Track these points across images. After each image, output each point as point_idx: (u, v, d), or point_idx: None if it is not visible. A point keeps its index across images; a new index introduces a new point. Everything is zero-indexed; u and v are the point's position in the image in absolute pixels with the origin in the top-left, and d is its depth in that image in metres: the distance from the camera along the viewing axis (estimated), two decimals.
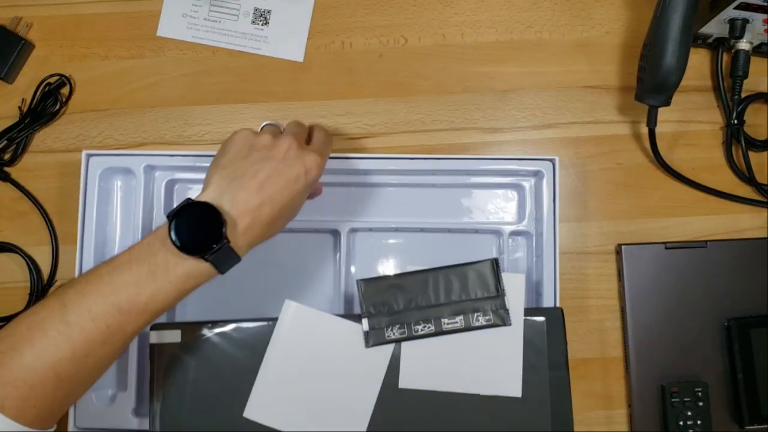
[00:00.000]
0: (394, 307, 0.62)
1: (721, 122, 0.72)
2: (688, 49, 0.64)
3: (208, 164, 0.57)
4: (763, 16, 0.64)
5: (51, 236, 0.70)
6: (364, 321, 0.62)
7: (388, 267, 0.70)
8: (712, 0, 0.65)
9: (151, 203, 0.69)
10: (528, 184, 0.69)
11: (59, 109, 0.72)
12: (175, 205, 0.53)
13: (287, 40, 0.73)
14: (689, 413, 0.66)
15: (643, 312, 0.68)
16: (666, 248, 0.69)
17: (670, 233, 0.70)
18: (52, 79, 0.71)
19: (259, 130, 0.62)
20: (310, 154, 0.56)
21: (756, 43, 0.68)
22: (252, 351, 0.62)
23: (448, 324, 0.62)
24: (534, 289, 0.67)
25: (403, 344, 0.62)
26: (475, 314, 0.62)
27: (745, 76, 0.69)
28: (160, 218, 0.68)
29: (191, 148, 0.71)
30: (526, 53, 0.73)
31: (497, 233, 0.69)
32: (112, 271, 0.51)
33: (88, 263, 0.66)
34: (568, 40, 0.73)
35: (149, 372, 0.62)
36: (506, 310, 0.62)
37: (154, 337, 0.62)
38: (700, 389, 0.66)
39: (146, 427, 0.65)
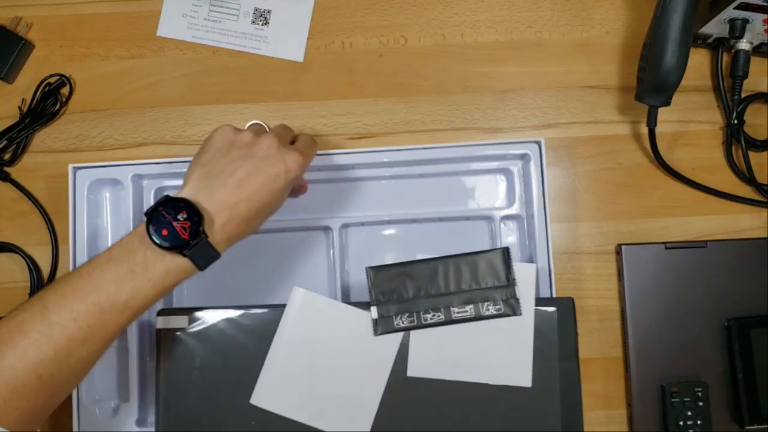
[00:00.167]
0: (403, 296, 0.62)
1: (721, 122, 0.72)
2: (688, 49, 0.64)
3: None
4: (763, 16, 0.64)
5: (51, 236, 0.70)
6: (373, 309, 0.61)
7: (382, 260, 0.69)
8: (712, 0, 0.65)
9: (141, 212, 0.68)
10: (516, 168, 0.69)
11: (59, 109, 0.72)
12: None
13: (287, 40, 0.73)
14: (689, 413, 0.66)
15: (643, 312, 0.68)
16: (666, 248, 0.69)
17: (670, 233, 0.70)
18: (52, 79, 0.71)
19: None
20: (291, 153, 0.56)
21: (756, 43, 0.68)
22: (259, 337, 0.61)
23: (457, 313, 0.61)
24: None
25: (412, 333, 0.61)
26: (486, 303, 0.61)
27: (745, 76, 0.69)
28: None
29: (191, 148, 0.71)
30: (526, 53, 0.73)
31: (488, 219, 0.69)
32: (92, 271, 0.51)
33: None
34: (568, 40, 0.73)
35: (155, 357, 0.61)
36: (517, 300, 0.61)
37: (161, 323, 0.61)
38: (700, 389, 0.66)
39: None
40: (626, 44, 0.72)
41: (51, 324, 0.49)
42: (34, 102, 0.71)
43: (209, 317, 0.61)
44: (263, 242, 0.69)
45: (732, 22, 0.66)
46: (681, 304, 0.68)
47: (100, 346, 0.51)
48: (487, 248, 0.63)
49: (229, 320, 0.61)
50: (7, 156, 0.71)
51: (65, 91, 0.72)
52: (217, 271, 0.68)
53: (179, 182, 0.68)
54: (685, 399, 0.66)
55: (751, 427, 0.66)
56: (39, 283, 0.69)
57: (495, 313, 0.61)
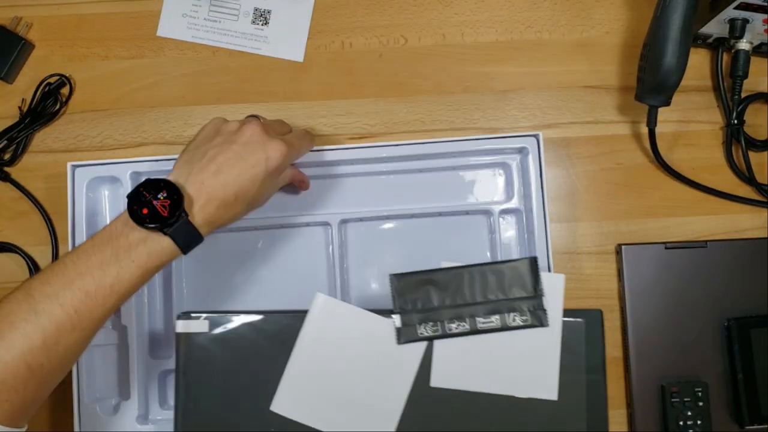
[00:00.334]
0: (427, 304, 0.60)
1: (721, 122, 0.72)
2: (688, 49, 0.63)
3: None
4: (763, 16, 0.64)
5: (51, 236, 0.70)
6: (396, 317, 0.60)
7: (382, 255, 0.70)
8: (712, 0, 0.65)
9: None
10: (514, 161, 0.69)
11: (59, 109, 0.71)
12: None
13: (287, 40, 0.73)
14: (689, 413, 0.66)
15: (643, 312, 0.68)
16: (666, 248, 0.69)
17: (670, 233, 0.70)
18: (52, 79, 0.71)
19: None
20: (274, 141, 0.56)
21: (756, 43, 0.68)
22: (280, 343, 0.60)
23: (483, 323, 0.60)
24: None
25: (436, 342, 0.60)
26: (512, 314, 0.60)
27: (745, 76, 0.69)
28: None
29: None
30: (526, 53, 0.73)
31: (487, 213, 0.69)
32: (77, 259, 0.52)
33: None
34: (568, 40, 0.73)
35: (175, 362, 0.61)
36: (544, 311, 0.60)
37: (181, 326, 0.60)
38: (700, 389, 0.66)
39: None
40: (626, 44, 0.72)
41: (38, 312, 0.49)
42: (34, 102, 0.71)
43: (230, 322, 0.60)
44: (262, 238, 0.70)
45: (732, 22, 0.66)
46: (681, 304, 0.68)
47: (87, 332, 0.52)
48: (514, 257, 0.63)
49: (249, 325, 0.60)
50: (7, 156, 0.71)
51: (65, 91, 0.72)
52: (216, 267, 0.69)
53: None
54: (685, 399, 0.66)
55: (751, 427, 0.66)
56: None
57: (521, 324, 0.60)
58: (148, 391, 0.67)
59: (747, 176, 0.70)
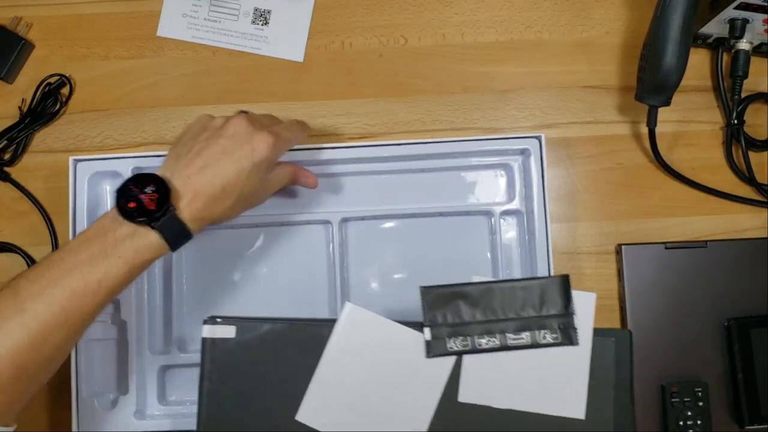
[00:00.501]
0: (456, 318, 0.59)
1: (721, 122, 0.72)
2: (688, 49, 0.63)
3: None
4: (763, 16, 0.64)
5: (51, 236, 0.70)
6: (426, 330, 0.58)
7: (382, 255, 0.70)
8: (712, 0, 0.65)
9: None
10: (516, 163, 0.69)
11: (59, 109, 0.72)
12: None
13: (287, 40, 0.73)
14: (689, 413, 0.66)
15: (643, 312, 0.68)
16: (666, 248, 0.69)
17: (670, 233, 0.70)
18: (52, 79, 0.71)
19: None
20: (260, 133, 0.56)
21: (756, 43, 0.68)
22: (308, 352, 0.59)
23: (513, 339, 0.59)
24: (528, 266, 0.68)
25: (465, 357, 0.59)
26: (542, 331, 0.59)
27: (745, 76, 0.69)
28: None
29: None
30: (526, 53, 0.73)
31: (488, 214, 0.69)
32: (65, 256, 0.51)
33: None
34: (568, 40, 0.73)
35: (200, 367, 0.59)
36: (575, 329, 0.59)
37: (207, 331, 0.58)
38: (700, 389, 0.66)
39: (147, 428, 0.65)
40: (626, 44, 0.72)
41: (24, 310, 0.49)
42: (34, 102, 0.71)
43: (257, 328, 0.59)
44: (263, 235, 0.70)
45: (732, 22, 0.66)
46: (681, 304, 0.68)
47: (75, 330, 0.51)
48: (545, 275, 0.62)
49: (277, 332, 0.59)
50: (7, 156, 0.71)
51: (65, 91, 0.72)
52: (216, 264, 0.69)
53: None
54: (685, 399, 0.66)
55: (751, 427, 0.66)
56: None
57: (552, 341, 0.59)
58: (147, 387, 0.67)
59: (747, 176, 0.70)
